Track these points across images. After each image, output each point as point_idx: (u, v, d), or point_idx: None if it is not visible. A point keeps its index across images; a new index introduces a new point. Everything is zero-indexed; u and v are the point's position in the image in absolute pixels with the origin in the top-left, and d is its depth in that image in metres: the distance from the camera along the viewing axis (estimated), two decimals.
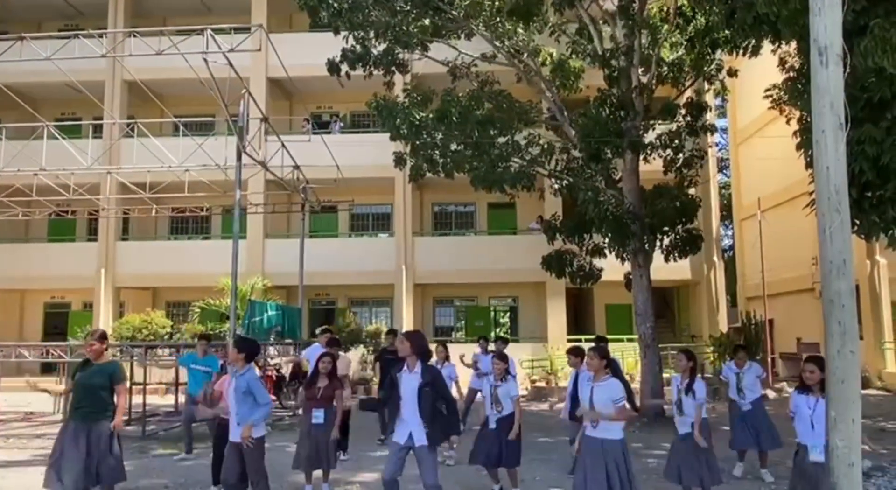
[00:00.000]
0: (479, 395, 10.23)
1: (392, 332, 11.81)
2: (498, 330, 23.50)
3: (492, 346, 10.97)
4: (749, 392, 8.38)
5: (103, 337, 6.25)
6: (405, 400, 5.46)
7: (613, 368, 5.73)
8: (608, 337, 20.95)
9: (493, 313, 23.96)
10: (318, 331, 11.27)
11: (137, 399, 12.80)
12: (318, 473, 7.44)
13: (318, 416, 7.16)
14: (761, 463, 8.34)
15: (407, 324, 20.54)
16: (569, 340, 18.85)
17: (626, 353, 18.98)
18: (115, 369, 6.24)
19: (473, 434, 7.76)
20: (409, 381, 5.47)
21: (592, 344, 7.83)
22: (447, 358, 10.14)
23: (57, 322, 23.02)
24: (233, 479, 5.88)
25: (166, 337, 18.93)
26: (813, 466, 5.24)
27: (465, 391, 10.83)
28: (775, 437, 8.25)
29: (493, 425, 7.08)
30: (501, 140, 14.13)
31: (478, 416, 8.70)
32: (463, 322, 23.45)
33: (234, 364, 6.06)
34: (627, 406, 5.80)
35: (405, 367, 5.55)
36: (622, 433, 5.59)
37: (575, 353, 7.68)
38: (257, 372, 6.63)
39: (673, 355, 18.52)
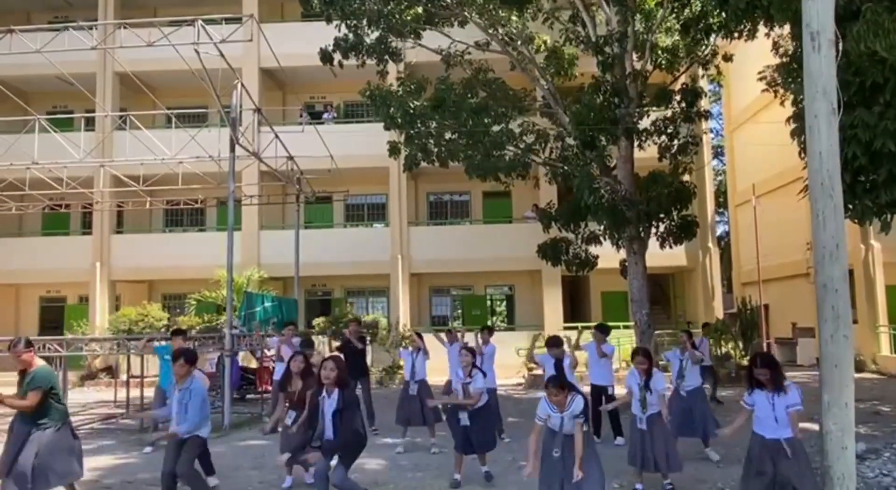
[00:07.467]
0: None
1: (356, 321, 11.94)
2: (494, 318, 23.56)
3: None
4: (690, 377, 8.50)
5: (29, 344, 6.05)
6: (325, 422, 5.93)
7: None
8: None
9: (489, 302, 24.01)
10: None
11: (135, 392, 12.81)
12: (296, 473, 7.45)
13: (291, 416, 7.14)
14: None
15: (403, 313, 20.57)
16: (565, 328, 18.90)
17: (623, 340, 19.04)
18: (35, 374, 5.96)
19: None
20: (329, 405, 5.95)
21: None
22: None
23: (53, 316, 23.00)
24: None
25: (163, 330, 18.90)
26: (765, 450, 5.44)
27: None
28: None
29: (465, 422, 7.25)
30: (496, 128, 14.10)
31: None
32: (459, 311, 23.49)
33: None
34: None
35: (324, 393, 5.98)
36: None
37: (557, 344, 8.22)
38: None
39: (669, 341, 18.68)
